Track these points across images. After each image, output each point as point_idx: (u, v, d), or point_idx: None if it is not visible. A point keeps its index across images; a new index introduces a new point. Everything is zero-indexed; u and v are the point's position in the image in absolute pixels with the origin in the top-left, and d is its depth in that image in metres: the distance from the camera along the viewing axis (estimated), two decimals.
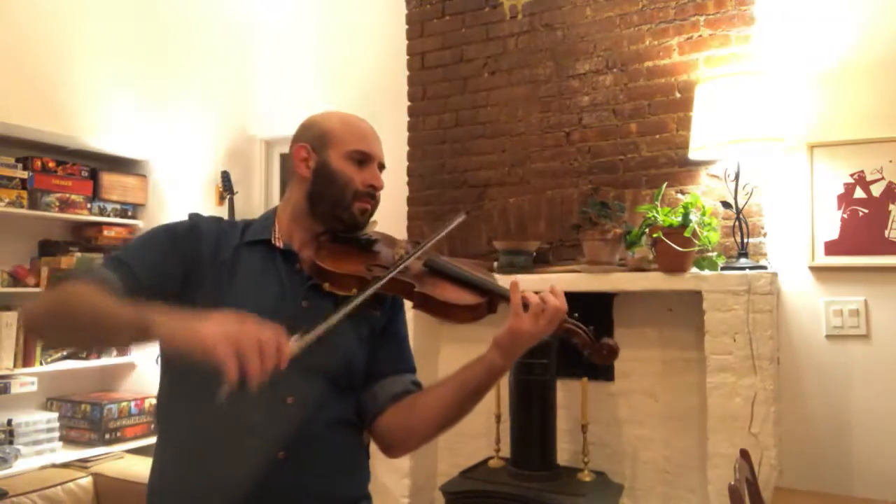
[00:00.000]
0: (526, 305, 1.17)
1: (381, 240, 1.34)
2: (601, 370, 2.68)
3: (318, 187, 1.28)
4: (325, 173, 1.28)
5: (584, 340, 1.24)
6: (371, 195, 1.30)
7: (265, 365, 0.93)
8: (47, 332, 1.17)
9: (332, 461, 1.23)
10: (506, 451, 2.65)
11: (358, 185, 1.28)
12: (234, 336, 0.93)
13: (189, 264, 1.21)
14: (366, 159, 1.30)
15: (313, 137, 1.31)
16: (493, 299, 1.25)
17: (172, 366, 1.25)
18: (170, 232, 1.24)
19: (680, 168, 2.59)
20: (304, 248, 1.29)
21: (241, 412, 1.13)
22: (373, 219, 1.34)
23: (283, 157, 3.81)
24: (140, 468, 2.73)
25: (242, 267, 1.24)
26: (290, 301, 1.23)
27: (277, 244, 1.29)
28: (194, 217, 1.30)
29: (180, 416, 1.23)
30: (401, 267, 1.22)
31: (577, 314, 1.24)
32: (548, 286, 1.21)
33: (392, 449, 1.32)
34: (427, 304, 1.24)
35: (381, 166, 1.34)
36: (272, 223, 1.32)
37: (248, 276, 1.23)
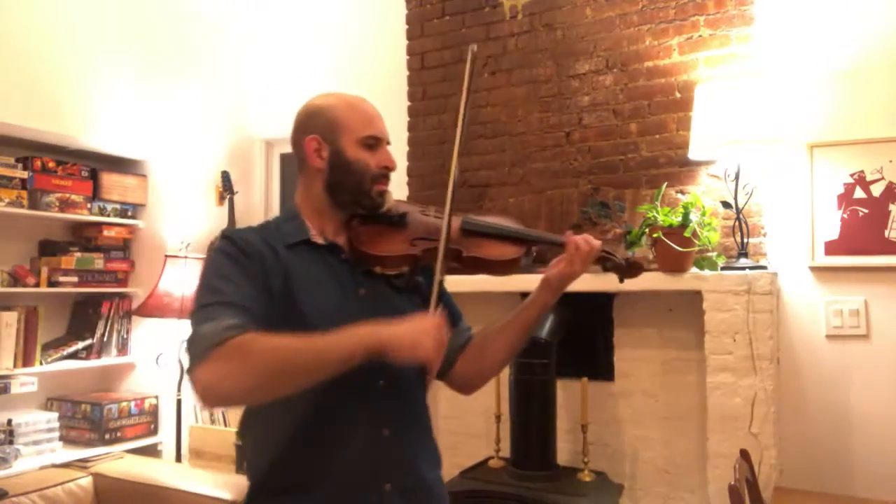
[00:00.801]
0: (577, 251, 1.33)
1: (407, 210, 1.39)
2: (601, 370, 2.68)
3: (337, 177, 1.31)
4: (341, 163, 1.31)
5: (615, 264, 1.40)
6: (386, 175, 1.34)
7: (441, 353, 1.15)
8: (258, 397, 1.15)
9: (422, 426, 1.37)
10: (506, 451, 2.65)
11: (374, 170, 1.32)
12: (424, 338, 1.13)
13: (264, 280, 1.22)
14: (376, 142, 1.33)
15: (322, 127, 1.32)
16: (530, 246, 1.39)
17: None
18: (230, 257, 1.22)
19: (680, 168, 2.59)
20: (338, 237, 1.34)
21: (340, 404, 1.23)
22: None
23: (284, 156, 3.82)
24: (140, 468, 2.73)
25: (295, 271, 1.25)
26: (350, 292, 1.29)
27: (318, 241, 1.31)
28: (230, 234, 1.27)
29: (279, 419, 1.24)
30: (445, 235, 1.27)
31: (604, 246, 1.39)
32: None
33: (466, 389, 1.48)
34: (476, 265, 1.35)
35: (389, 143, 1.38)
36: (302, 221, 1.33)
37: (305, 278, 1.25)
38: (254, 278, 1.20)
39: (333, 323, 1.13)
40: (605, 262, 1.40)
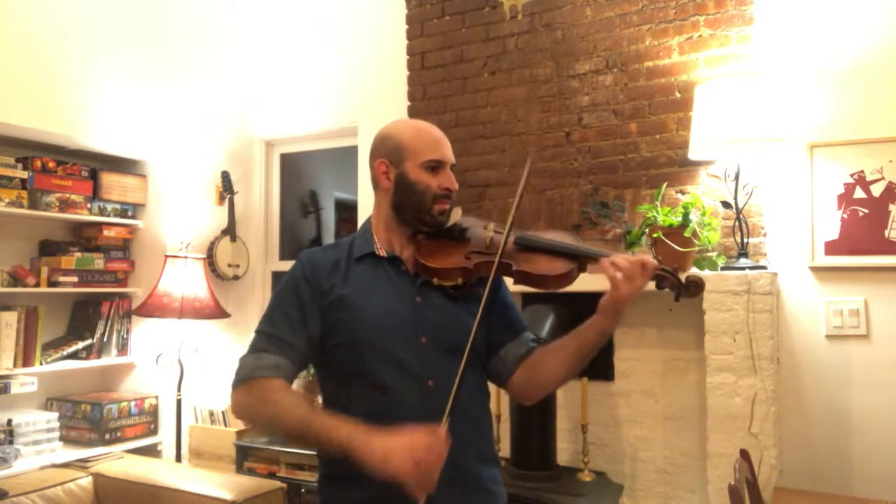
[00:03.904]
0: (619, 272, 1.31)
1: (469, 226, 1.49)
2: (601, 370, 2.68)
3: (401, 197, 1.45)
4: (405, 184, 1.44)
5: (672, 282, 1.37)
6: (447, 196, 1.46)
7: (437, 470, 1.19)
8: (256, 427, 1.38)
9: (472, 427, 1.42)
10: (506, 451, 2.65)
11: (435, 190, 1.44)
12: (401, 455, 1.18)
13: (319, 300, 1.40)
14: (438, 165, 1.45)
15: (390, 152, 1.47)
16: (583, 262, 1.40)
17: (333, 374, 1.45)
18: (296, 286, 1.42)
19: (680, 168, 2.59)
20: (404, 250, 1.48)
21: (395, 399, 1.36)
22: (455, 208, 1.49)
23: (284, 156, 3.82)
24: (140, 468, 2.73)
25: (357, 280, 1.42)
26: (406, 299, 1.42)
27: (381, 253, 1.46)
28: (304, 256, 1.48)
29: (347, 407, 1.39)
30: (500, 252, 1.36)
31: (660, 258, 1.33)
32: None
33: (526, 399, 1.53)
34: (525, 278, 1.40)
35: (453, 166, 1.50)
36: (371, 236, 1.49)
37: (365, 287, 1.41)
38: (311, 310, 1.40)
39: (389, 324, 1.37)
40: (660, 280, 1.37)
